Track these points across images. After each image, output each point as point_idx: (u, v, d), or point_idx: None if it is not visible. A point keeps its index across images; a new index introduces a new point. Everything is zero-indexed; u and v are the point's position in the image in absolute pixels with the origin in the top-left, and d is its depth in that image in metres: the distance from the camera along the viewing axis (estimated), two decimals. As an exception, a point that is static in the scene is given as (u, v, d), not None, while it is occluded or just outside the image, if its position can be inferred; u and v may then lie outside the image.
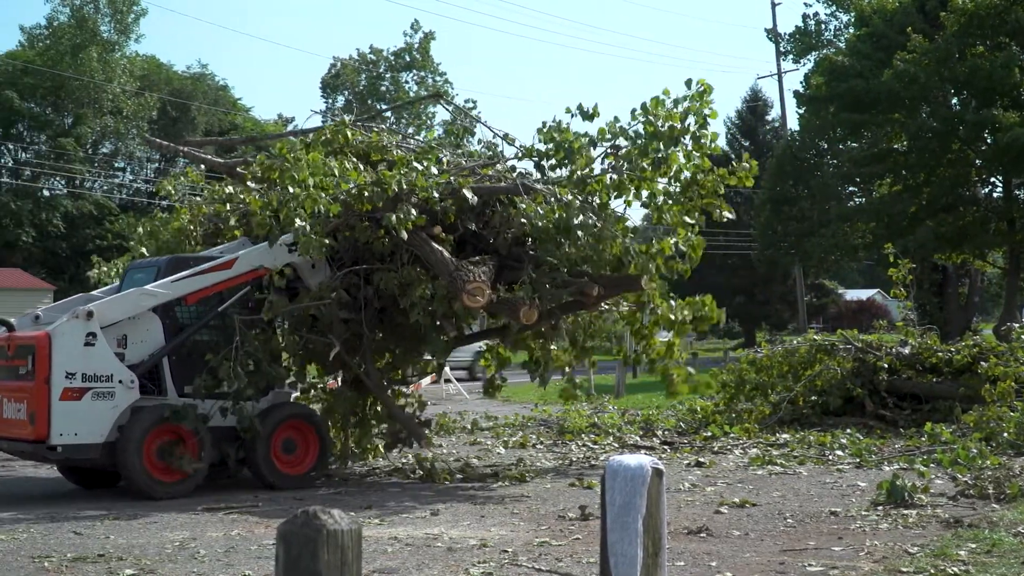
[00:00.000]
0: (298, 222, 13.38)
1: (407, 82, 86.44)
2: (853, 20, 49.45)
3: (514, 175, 15.64)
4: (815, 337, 21.68)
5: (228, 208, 15.67)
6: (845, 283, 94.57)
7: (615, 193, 15.03)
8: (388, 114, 78.14)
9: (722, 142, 76.47)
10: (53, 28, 69.65)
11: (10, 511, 11.93)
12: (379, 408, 15.53)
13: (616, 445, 17.41)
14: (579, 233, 13.88)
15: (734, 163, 16.04)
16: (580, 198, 14.43)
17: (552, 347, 15.80)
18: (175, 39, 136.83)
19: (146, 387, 13.12)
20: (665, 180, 15.20)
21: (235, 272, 13.78)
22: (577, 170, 14.85)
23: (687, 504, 11.74)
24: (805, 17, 53.95)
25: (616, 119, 15.15)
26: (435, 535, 10.20)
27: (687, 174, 15.31)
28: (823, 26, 53.86)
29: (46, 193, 69.71)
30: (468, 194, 14.27)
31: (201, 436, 12.99)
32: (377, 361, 15.31)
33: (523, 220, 14.18)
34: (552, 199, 14.25)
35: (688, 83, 14.88)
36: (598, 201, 14.84)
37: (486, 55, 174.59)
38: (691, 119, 14.81)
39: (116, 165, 77.74)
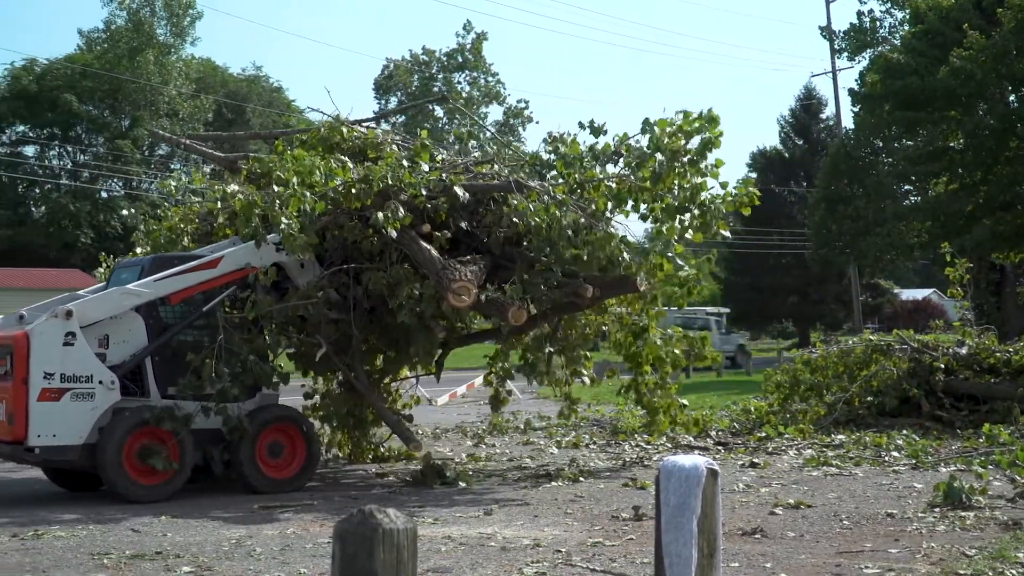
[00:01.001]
0: (283, 220, 13.08)
1: (459, 83, 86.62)
2: (908, 17, 48.94)
3: (506, 173, 15.28)
4: (870, 337, 21.51)
5: (219, 207, 15.37)
6: (900, 283, 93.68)
7: (613, 202, 14.76)
8: (440, 114, 78.43)
9: (775, 141, 76.28)
10: (111, 32, 70.37)
11: (69, 510, 12.08)
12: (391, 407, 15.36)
13: (669, 445, 17.36)
14: (570, 232, 13.62)
15: (736, 187, 15.35)
16: (576, 199, 14.28)
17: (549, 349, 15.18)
18: (230, 42, 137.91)
19: (129, 388, 12.89)
20: (664, 195, 14.76)
21: (220, 271, 13.53)
22: (574, 173, 14.61)
23: (741, 505, 11.69)
24: (860, 14, 53.45)
25: (626, 134, 14.97)
26: (488, 535, 10.21)
27: (681, 193, 14.80)
28: (878, 23, 53.34)
29: (104, 195, 70.47)
30: (459, 191, 14.08)
31: (182, 438, 12.73)
32: (371, 363, 15.13)
33: (516, 218, 13.92)
34: (546, 196, 13.97)
35: (701, 113, 14.64)
36: (594, 207, 14.56)
37: (537, 55, 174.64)
38: (694, 141, 14.50)
39: (172, 167, 78.42)
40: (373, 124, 17.07)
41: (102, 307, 12.89)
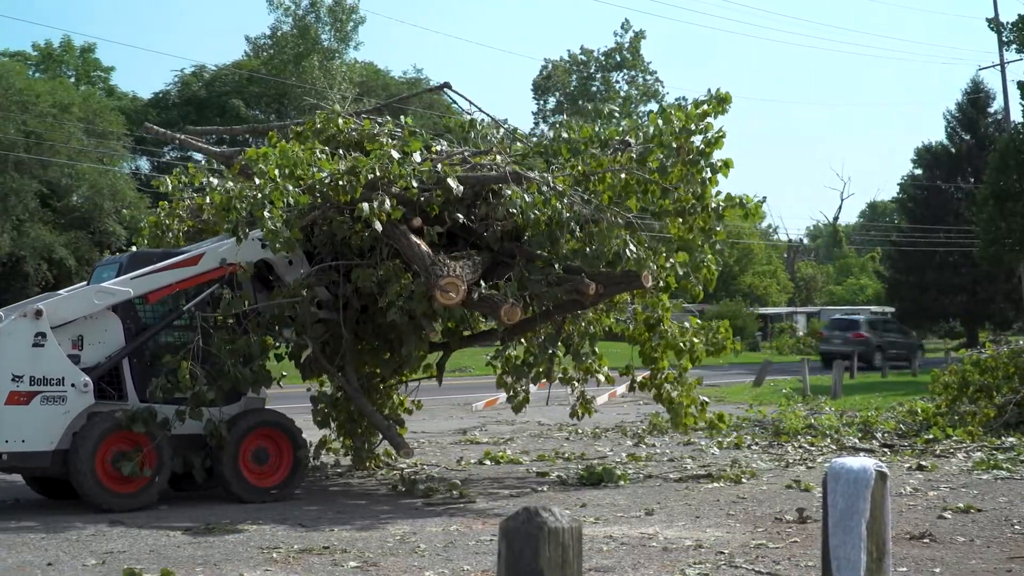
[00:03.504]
0: (266, 215, 12.27)
1: (617, 82, 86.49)
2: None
3: (505, 163, 14.26)
4: (1043, 337, 20.86)
5: (208, 202, 14.15)
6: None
7: (621, 195, 14.05)
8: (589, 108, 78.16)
9: (941, 136, 74.43)
10: (277, 38, 71.93)
11: (237, 506, 12.41)
12: (386, 411, 14.94)
13: (834, 447, 17.08)
14: (572, 224, 12.98)
15: (744, 199, 14.79)
16: (579, 190, 13.52)
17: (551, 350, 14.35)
18: (391, 45, 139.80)
19: (106, 392, 12.30)
20: (669, 191, 14.20)
21: (201, 269, 12.89)
22: (578, 164, 13.87)
23: (908, 508, 11.46)
24: (1030, 5, 51.88)
25: (636, 122, 14.54)
26: (650, 535, 10.20)
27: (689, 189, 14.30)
28: (1048, 13, 51.69)
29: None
30: (452, 183, 13.16)
31: (159, 443, 12.09)
32: (368, 365, 14.59)
33: (512, 211, 13.06)
34: (545, 187, 13.12)
35: (710, 94, 14.14)
36: (597, 201, 13.67)
37: (697, 52, 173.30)
38: (697, 140, 13.98)
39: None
40: (368, 116, 15.89)
41: (75, 306, 12.28)
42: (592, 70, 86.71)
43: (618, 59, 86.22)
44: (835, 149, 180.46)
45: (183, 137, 17.89)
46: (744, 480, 13.80)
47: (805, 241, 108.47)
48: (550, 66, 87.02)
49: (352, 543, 9.94)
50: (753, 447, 17.48)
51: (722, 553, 9.32)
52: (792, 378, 33.92)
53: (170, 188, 15.65)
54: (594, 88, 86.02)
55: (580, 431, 19.92)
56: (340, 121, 14.94)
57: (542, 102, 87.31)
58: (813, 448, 16.99)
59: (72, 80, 69.78)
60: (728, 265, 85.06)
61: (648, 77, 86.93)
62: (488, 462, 15.91)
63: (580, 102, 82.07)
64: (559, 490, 13.40)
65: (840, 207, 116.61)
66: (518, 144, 15.21)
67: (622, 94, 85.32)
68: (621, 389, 27.52)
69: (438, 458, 16.54)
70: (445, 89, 16.60)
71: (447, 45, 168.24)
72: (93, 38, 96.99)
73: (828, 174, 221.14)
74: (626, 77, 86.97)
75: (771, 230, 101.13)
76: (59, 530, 10.78)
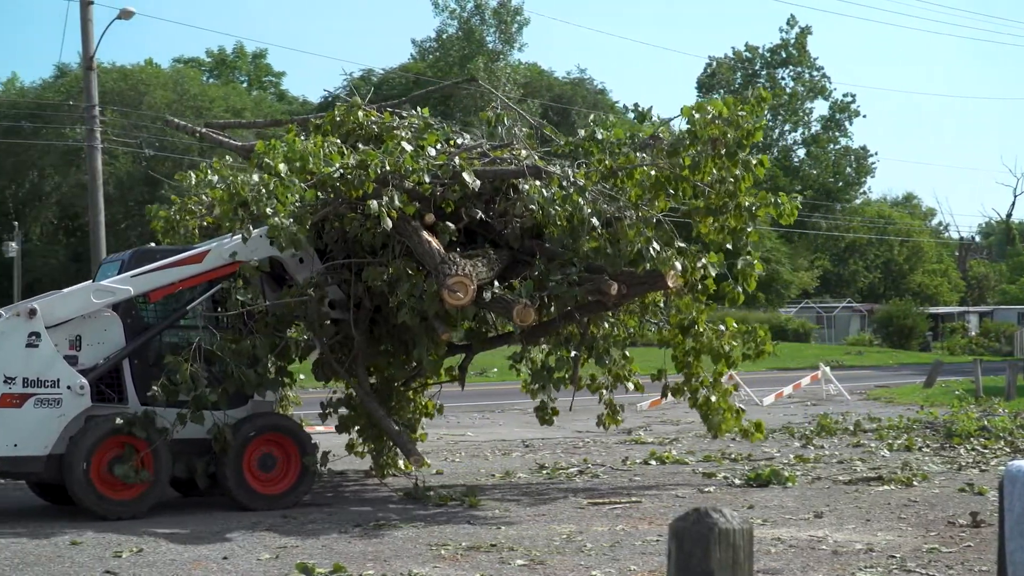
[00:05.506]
0: (268, 210, 11.82)
1: (783, 79, 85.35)
2: None
3: (525, 157, 13.64)
4: None
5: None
6: None
7: (650, 192, 13.51)
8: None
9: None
10: (442, 41, 72.77)
11: (404, 504, 12.64)
12: (407, 415, 14.56)
13: (1008, 450, 16.63)
14: (593, 221, 12.26)
15: (779, 197, 13.98)
16: (607, 186, 12.98)
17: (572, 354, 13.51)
18: (555, 46, 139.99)
19: (105, 394, 11.88)
20: (700, 187, 13.65)
21: (206, 267, 12.40)
22: (605, 159, 13.37)
23: (1089, 514, 11.10)
24: None
25: (666, 120, 14.01)
26: (819, 537, 10.09)
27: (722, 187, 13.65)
28: None
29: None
30: (468, 178, 12.55)
31: (156, 448, 11.58)
32: (387, 368, 14.03)
33: (531, 207, 12.35)
34: (564, 182, 12.51)
35: (748, 88, 13.58)
36: (624, 198, 13.07)
37: (864, 47, 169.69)
38: (731, 134, 13.25)
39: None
40: (390, 110, 15.13)
41: (71, 305, 11.83)
42: (757, 67, 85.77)
43: (783, 55, 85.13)
44: (1008, 144, 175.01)
45: (205, 131, 17.15)
46: (915, 483, 13.53)
47: (977, 239, 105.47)
48: (714, 64, 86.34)
49: (519, 541, 10.04)
50: (924, 449, 17.11)
51: (893, 557, 9.18)
52: (964, 379, 33.07)
53: (193, 183, 14.44)
54: (759, 85, 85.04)
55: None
56: (360, 114, 14.27)
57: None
58: (986, 451, 16.57)
59: (244, 85, 71.77)
60: (898, 263, 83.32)
61: (815, 73, 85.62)
62: (653, 462, 15.89)
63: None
64: (726, 491, 13.32)
65: (1013, 204, 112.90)
66: (561, 141, 14.59)
67: (787, 91, 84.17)
68: (788, 390, 27.21)
69: (603, 458, 16.59)
70: (472, 83, 16.11)
71: (610, 45, 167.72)
72: (264, 44, 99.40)
73: (1001, 170, 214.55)
74: (792, 74, 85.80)
75: (942, 228, 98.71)
76: (232, 525, 11.13)
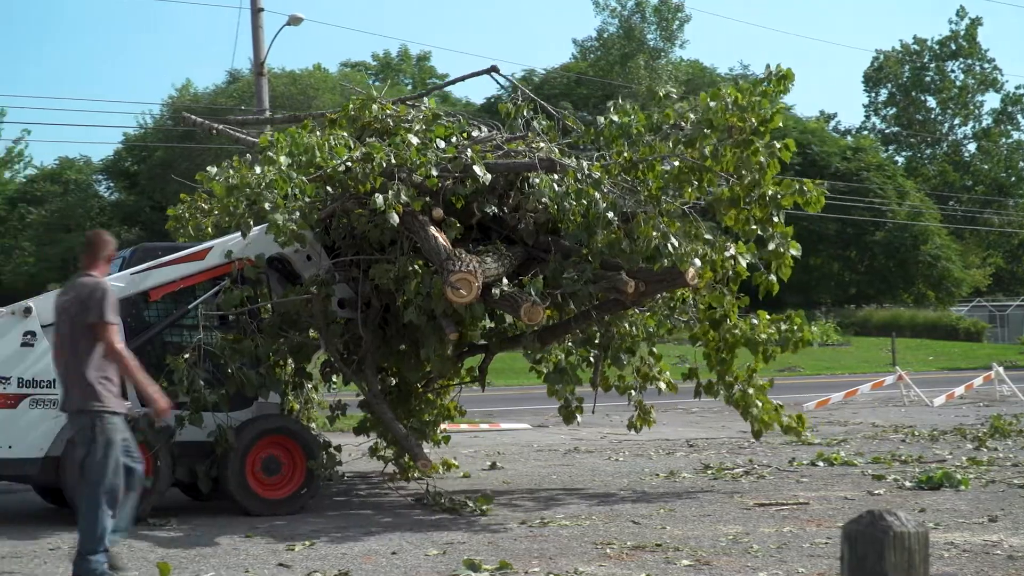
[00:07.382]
0: (267, 206, 11.35)
1: (952, 71, 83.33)
2: None
3: (540, 149, 13.12)
4: None
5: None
6: None
7: (674, 184, 12.88)
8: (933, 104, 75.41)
9: None
10: (603, 40, 72.84)
11: (574, 497, 12.65)
12: (425, 417, 14.16)
13: None
14: (609, 215, 11.79)
15: (805, 184, 13.12)
16: (628, 179, 12.51)
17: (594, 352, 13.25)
18: (717, 42, 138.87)
19: None
20: (725, 179, 12.95)
21: (208, 264, 12.12)
22: (624, 150, 12.73)
23: None
24: None
25: (687, 103, 13.26)
26: (993, 542, 9.84)
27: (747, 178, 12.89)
28: None
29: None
30: (479, 171, 12.05)
31: (155, 450, 11.20)
32: (401, 369, 13.61)
33: (545, 200, 11.95)
34: (580, 175, 12.05)
35: (770, 71, 12.80)
36: (646, 191, 12.58)
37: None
38: (752, 120, 12.59)
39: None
40: (410, 102, 14.72)
41: None
42: (926, 60, 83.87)
43: (953, 48, 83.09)
44: None
45: (221, 127, 16.60)
46: (1095, 488, 13.11)
47: None
48: (882, 57, 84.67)
49: (684, 541, 10.02)
50: (1106, 453, 16.54)
51: (1073, 564, 8.92)
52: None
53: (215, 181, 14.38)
54: (928, 79, 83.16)
55: (916, 433, 19.37)
56: (375, 107, 13.71)
57: (874, 94, 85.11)
58: None
59: (409, 88, 72.79)
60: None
61: (986, 65, 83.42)
62: (821, 463, 15.66)
63: (913, 94, 79.53)
64: (896, 493, 13.06)
65: None
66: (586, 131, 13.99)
67: (957, 84, 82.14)
68: (959, 390, 26.55)
69: (769, 458, 16.42)
70: (492, 73, 15.72)
71: (774, 39, 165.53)
72: (428, 46, 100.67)
73: None
74: (962, 66, 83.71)
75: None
76: (401, 520, 11.33)
